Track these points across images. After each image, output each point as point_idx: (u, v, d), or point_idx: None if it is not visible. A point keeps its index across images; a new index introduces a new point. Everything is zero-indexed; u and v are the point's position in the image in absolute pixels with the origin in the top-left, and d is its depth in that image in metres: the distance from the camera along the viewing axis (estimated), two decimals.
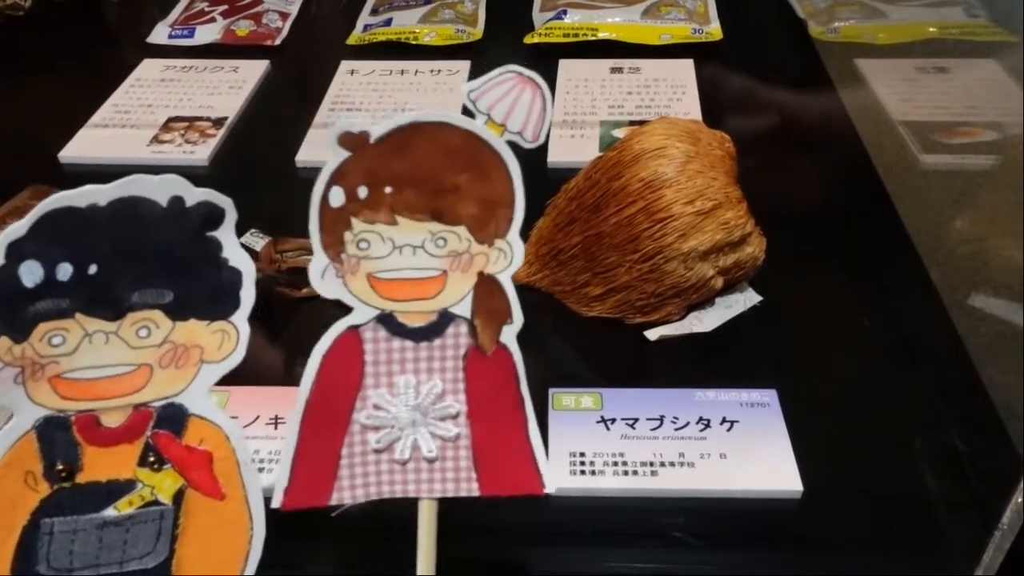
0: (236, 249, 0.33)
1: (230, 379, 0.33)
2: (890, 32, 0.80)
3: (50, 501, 0.32)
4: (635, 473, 0.44)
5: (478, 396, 0.34)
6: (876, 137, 0.68)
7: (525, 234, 0.54)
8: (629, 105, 0.73)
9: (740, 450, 0.45)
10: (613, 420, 0.47)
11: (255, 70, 0.80)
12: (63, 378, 0.32)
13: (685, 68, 0.78)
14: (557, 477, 0.44)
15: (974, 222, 0.60)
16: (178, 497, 0.34)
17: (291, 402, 0.47)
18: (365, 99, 0.75)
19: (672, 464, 0.44)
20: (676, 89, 0.75)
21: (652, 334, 0.52)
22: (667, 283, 0.50)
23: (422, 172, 0.32)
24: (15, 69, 0.84)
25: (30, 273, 0.30)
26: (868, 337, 0.53)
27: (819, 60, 0.80)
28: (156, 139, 0.70)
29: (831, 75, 0.77)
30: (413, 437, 0.34)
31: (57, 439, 0.32)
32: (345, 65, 0.80)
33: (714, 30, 0.82)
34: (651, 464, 0.44)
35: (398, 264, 0.33)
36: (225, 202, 0.32)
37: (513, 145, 0.32)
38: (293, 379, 0.51)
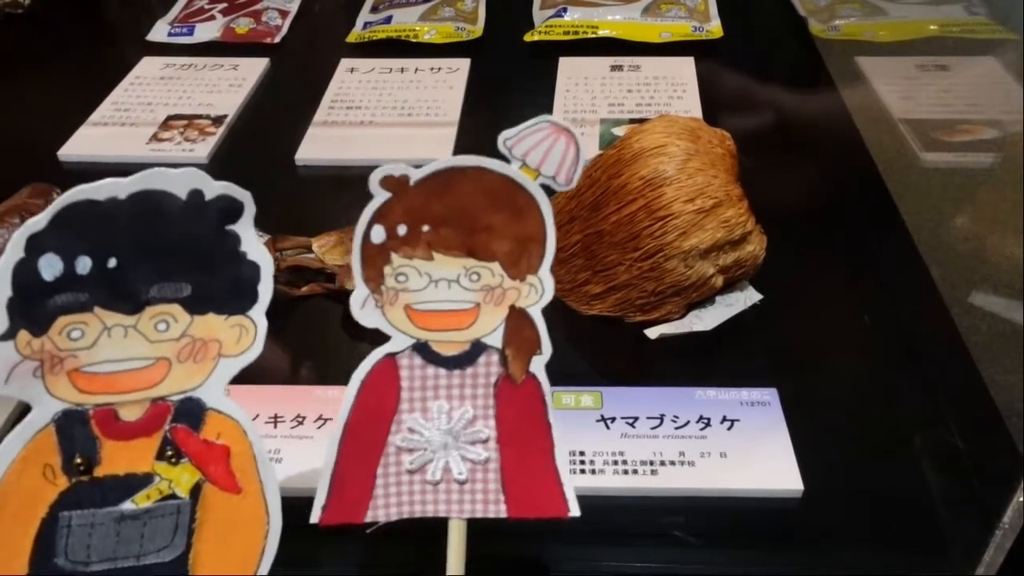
0: (254, 243, 0.33)
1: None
2: (891, 30, 0.80)
3: (68, 494, 0.32)
4: (635, 472, 0.44)
5: (507, 422, 0.36)
6: (876, 135, 0.68)
7: None
8: (629, 103, 0.73)
9: (740, 449, 0.45)
10: (613, 419, 0.47)
11: (255, 68, 0.79)
12: (82, 372, 0.32)
13: (685, 66, 0.78)
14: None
15: (975, 220, 0.60)
16: (195, 491, 0.34)
17: (291, 400, 0.48)
18: (365, 97, 0.75)
19: (672, 463, 0.44)
20: (676, 87, 0.75)
21: (652, 332, 0.52)
22: (667, 281, 0.50)
23: (458, 212, 0.33)
24: (14, 67, 0.84)
25: (49, 266, 0.30)
26: (868, 336, 0.53)
27: (820, 58, 0.80)
28: (155, 137, 0.70)
29: (831, 73, 0.77)
30: (445, 460, 0.36)
31: (75, 433, 0.32)
32: (345, 63, 0.80)
33: (714, 28, 0.82)
34: (651, 463, 0.44)
35: (434, 297, 0.34)
36: (244, 196, 0.32)
37: (545, 187, 0.34)
38: (293, 377, 0.51)
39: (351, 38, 0.85)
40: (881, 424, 0.48)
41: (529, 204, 0.34)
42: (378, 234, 0.33)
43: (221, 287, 0.32)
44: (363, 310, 0.34)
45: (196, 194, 0.31)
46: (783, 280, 0.55)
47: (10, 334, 0.30)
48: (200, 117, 0.73)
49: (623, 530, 0.43)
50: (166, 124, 0.72)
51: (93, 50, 0.87)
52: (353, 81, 0.78)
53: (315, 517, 0.35)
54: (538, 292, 0.35)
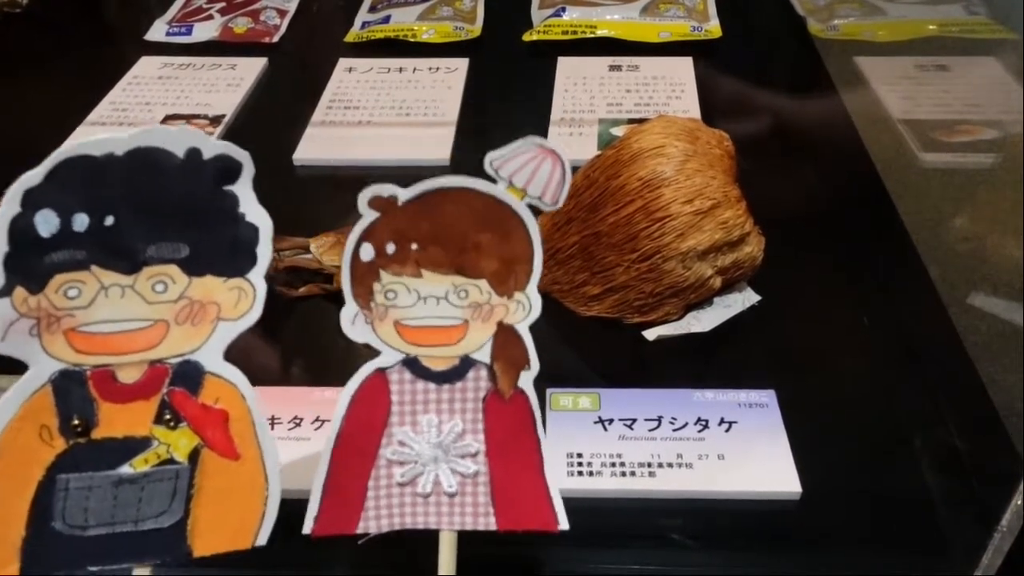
0: (253, 204, 0.32)
1: None
2: (890, 30, 0.80)
3: (65, 456, 0.32)
4: (633, 474, 0.44)
5: (496, 436, 0.36)
6: (875, 135, 0.68)
7: None
8: (628, 103, 0.73)
9: (738, 451, 0.45)
10: (611, 420, 0.46)
11: (253, 68, 0.79)
12: (78, 331, 0.31)
13: (684, 66, 0.78)
14: (554, 478, 0.44)
15: (974, 220, 0.60)
16: (193, 456, 0.33)
17: (288, 401, 0.47)
18: (363, 97, 0.75)
19: (670, 465, 0.44)
20: (675, 87, 0.75)
21: (650, 334, 0.52)
22: (665, 283, 0.50)
23: (446, 231, 0.34)
24: (12, 66, 0.84)
25: (46, 223, 0.30)
26: (867, 337, 0.53)
27: (818, 58, 0.80)
28: None
29: (830, 73, 0.77)
30: (435, 473, 0.36)
31: (73, 393, 0.32)
32: (343, 63, 0.80)
33: (713, 28, 0.82)
34: (649, 465, 0.44)
35: (423, 313, 0.35)
36: (242, 155, 0.32)
37: (532, 207, 0.34)
38: (290, 378, 0.51)
39: (349, 38, 0.85)
40: (879, 425, 0.48)
41: (516, 223, 0.34)
42: (367, 252, 0.34)
43: (219, 248, 0.32)
44: (353, 326, 0.35)
45: (194, 152, 0.31)
46: (781, 281, 0.55)
47: (6, 290, 0.30)
48: (198, 117, 0.72)
49: (620, 533, 0.43)
50: (164, 124, 0.72)
51: (91, 50, 0.87)
52: (351, 81, 0.77)
53: (307, 528, 0.35)
54: (525, 309, 0.36)
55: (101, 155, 0.30)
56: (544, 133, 0.69)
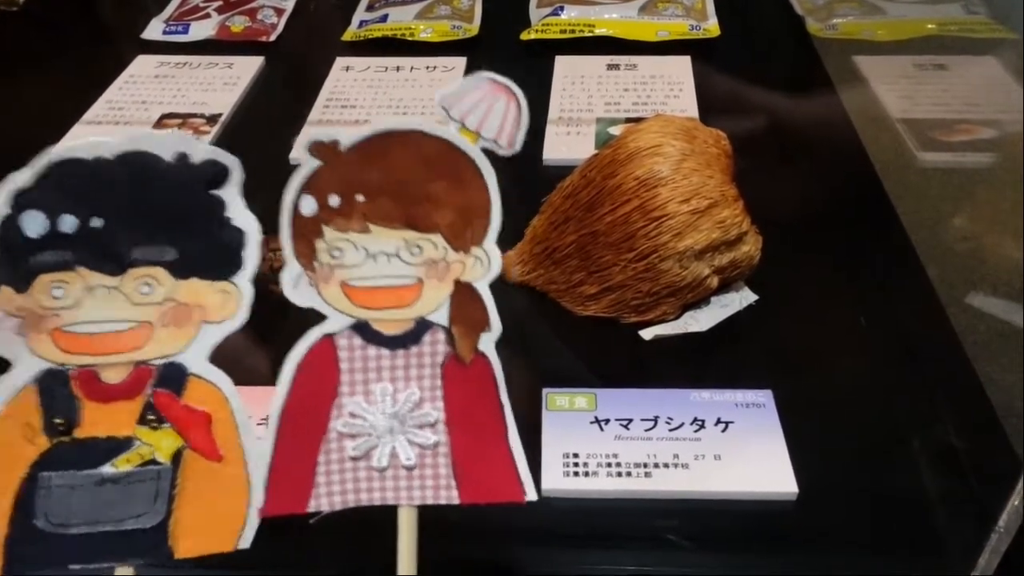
0: (240, 209, 0.32)
1: None
2: (889, 29, 0.80)
3: (49, 455, 0.32)
4: (629, 474, 0.44)
5: (457, 404, 0.34)
6: (874, 135, 0.68)
7: (520, 232, 0.55)
8: (626, 102, 0.73)
9: (735, 451, 0.45)
10: (607, 421, 0.46)
11: (250, 66, 0.79)
12: (64, 331, 0.32)
13: (682, 65, 0.77)
14: (550, 478, 0.44)
15: (972, 220, 0.60)
16: (176, 458, 0.34)
17: None
18: (360, 96, 0.75)
19: (666, 465, 0.44)
20: (673, 86, 0.74)
21: (647, 334, 0.52)
22: (662, 282, 0.50)
23: (395, 180, 0.32)
24: (9, 65, 0.83)
25: (33, 223, 0.30)
26: (865, 337, 0.53)
27: (817, 57, 0.79)
28: None
29: (829, 72, 0.77)
30: (391, 445, 0.34)
31: (57, 392, 0.32)
32: (340, 61, 0.80)
33: (711, 27, 0.82)
34: (645, 465, 0.44)
35: (372, 272, 0.33)
36: (231, 160, 0.32)
37: (489, 152, 0.32)
38: None
39: (347, 36, 0.85)
40: (877, 426, 0.48)
41: (471, 171, 0.32)
42: (308, 205, 0.32)
43: (205, 252, 0.32)
44: (296, 289, 0.33)
45: (183, 157, 0.31)
46: (779, 281, 0.54)
47: None
48: (195, 116, 0.72)
49: (616, 533, 0.43)
50: (160, 123, 0.72)
51: (88, 48, 0.87)
52: (348, 80, 0.77)
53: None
54: (484, 265, 0.34)
55: (91, 158, 0.30)
56: (541, 132, 0.69)
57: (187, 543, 0.34)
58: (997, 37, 0.77)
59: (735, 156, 0.53)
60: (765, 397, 0.47)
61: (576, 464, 0.44)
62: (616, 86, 0.75)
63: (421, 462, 0.34)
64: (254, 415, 0.46)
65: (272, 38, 0.84)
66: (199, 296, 0.33)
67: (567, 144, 0.68)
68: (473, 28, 0.84)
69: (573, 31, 0.81)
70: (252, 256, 0.33)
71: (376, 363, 0.34)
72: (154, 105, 0.74)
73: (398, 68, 0.79)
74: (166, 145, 0.31)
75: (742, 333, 0.53)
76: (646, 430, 0.46)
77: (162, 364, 0.33)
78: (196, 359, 0.33)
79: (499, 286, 0.35)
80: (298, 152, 0.31)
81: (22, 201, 0.30)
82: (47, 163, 0.30)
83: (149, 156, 0.31)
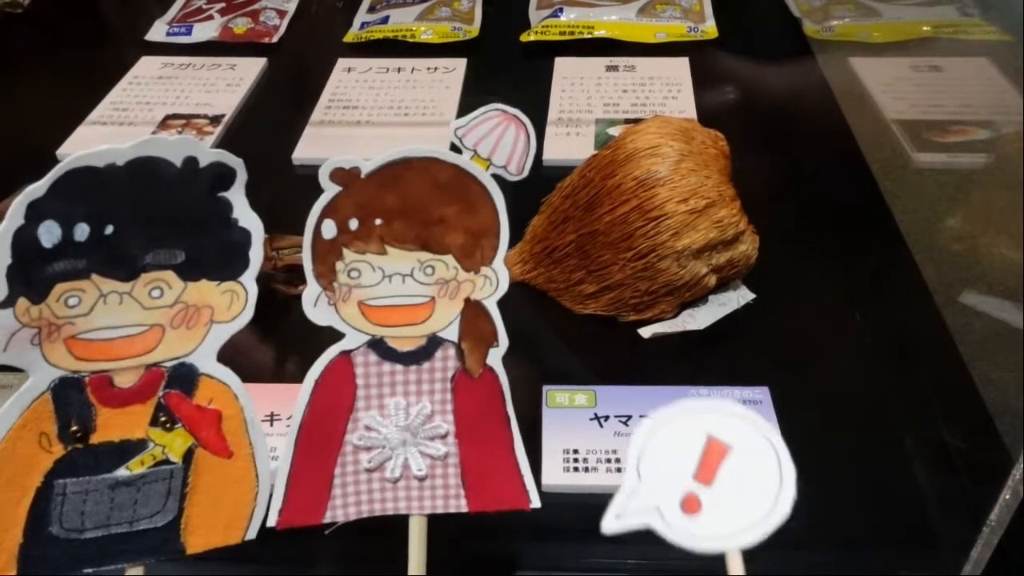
0: (246, 210, 0.33)
1: None
2: (884, 31, 0.80)
3: (63, 462, 0.33)
4: None
5: (466, 416, 0.36)
6: (870, 135, 0.68)
7: (520, 232, 0.56)
8: (624, 103, 0.73)
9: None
10: (606, 417, 0.47)
11: (252, 68, 0.80)
12: (78, 339, 0.32)
13: (680, 66, 0.78)
14: (550, 474, 0.44)
15: (967, 220, 0.60)
16: (187, 456, 0.34)
17: (288, 398, 0.47)
18: (362, 97, 0.76)
19: None
20: (671, 87, 0.75)
21: (646, 332, 0.53)
22: (660, 281, 0.50)
23: (411, 205, 0.33)
24: (13, 67, 0.84)
25: (48, 233, 0.30)
26: (860, 335, 0.54)
27: (814, 58, 0.80)
28: None
29: (825, 73, 0.77)
30: (403, 456, 0.35)
31: (72, 400, 0.33)
32: (342, 63, 0.81)
33: (709, 28, 0.82)
34: None
35: (388, 292, 0.34)
36: (236, 163, 0.32)
37: (498, 178, 0.34)
38: (289, 375, 0.52)
39: (348, 38, 0.85)
40: (872, 423, 0.48)
41: (481, 195, 0.34)
42: (329, 229, 0.33)
43: (213, 253, 0.33)
44: (315, 308, 0.34)
45: (191, 161, 0.32)
46: (776, 279, 0.55)
47: (9, 301, 0.30)
48: (198, 116, 0.73)
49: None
50: (164, 123, 0.72)
51: (92, 50, 0.88)
52: (350, 81, 0.78)
53: (272, 520, 0.35)
54: (493, 284, 0.35)
55: (103, 165, 0.31)
56: (541, 133, 0.69)
57: (198, 538, 0.34)
58: (991, 39, 0.77)
59: (732, 156, 0.53)
60: (762, 394, 0.48)
61: (576, 460, 0.45)
62: (615, 87, 0.76)
63: (432, 472, 0.36)
64: (258, 411, 0.47)
65: (274, 39, 0.85)
66: (208, 297, 0.33)
67: (566, 144, 0.68)
68: (473, 30, 0.84)
69: (572, 33, 0.82)
70: (257, 255, 0.34)
71: (390, 378, 0.35)
72: (158, 106, 0.74)
73: (399, 69, 0.79)
74: (175, 150, 0.31)
75: (739, 331, 0.53)
76: None
77: (173, 365, 0.34)
78: (206, 359, 0.34)
79: None
80: (321, 179, 0.33)
81: (37, 212, 0.30)
82: (60, 172, 0.30)
83: (159, 161, 0.31)
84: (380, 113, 0.73)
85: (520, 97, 0.76)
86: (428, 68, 0.79)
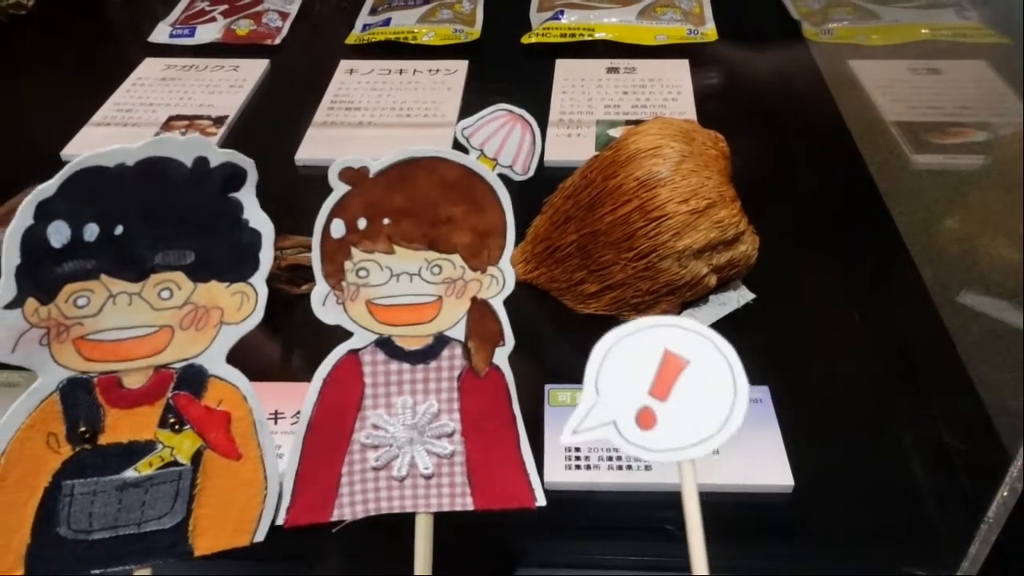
0: (256, 211, 0.33)
1: None
2: (883, 33, 0.81)
3: (71, 463, 0.33)
4: (629, 468, 0.45)
5: (472, 415, 0.36)
6: (868, 137, 0.69)
7: (522, 232, 0.56)
8: (625, 105, 0.74)
9: (732, 445, 0.44)
10: None
11: (255, 69, 0.80)
12: (87, 339, 0.32)
13: (680, 68, 0.78)
14: (553, 472, 0.44)
15: (965, 221, 0.61)
16: (196, 458, 0.34)
17: (291, 397, 0.48)
18: (364, 98, 0.76)
19: None
20: (671, 89, 0.76)
21: None
22: (661, 281, 0.51)
23: (419, 204, 0.34)
24: (18, 68, 0.84)
25: (58, 234, 0.30)
26: (859, 335, 0.54)
27: (813, 61, 0.80)
28: None
29: (824, 76, 0.78)
30: (410, 455, 0.36)
31: (80, 401, 0.32)
32: (344, 64, 0.81)
33: (709, 31, 0.83)
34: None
35: (396, 291, 0.35)
36: (247, 163, 0.32)
37: (504, 177, 0.34)
38: (293, 374, 0.52)
39: (350, 40, 0.86)
40: (871, 421, 0.49)
41: (488, 195, 0.34)
42: (338, 229, 0.34)
43: (223, 254, 0.33)
44: (324, 307, 0.34)
45: (201, 161, 0.32)
46: (775, 280, 0.55)
47: (18, 302, 0.30)
48: (201, 118, 0.73)
49: (617, 524, 0.44)
50: (167, 124, 0.73)
51: (96, 51, 0.88)
52: (352, 82, 0.78)
53: (280, 519, 0.35)
54: (499, 283, 0.35)
55: (112, 165, 0.30)
56: (543, 134, 0.69)
57: (206, 540, 0.34)
58: (989, 42, 0.78)
59: (733, 157, 0.54)
60: (762, 393, 0.48)
61: (578, 458, 0.45)
62: (616, 89, 0.76)
63: (438, 471, 0.36)
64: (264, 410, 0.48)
65: (277, 41, 0.85)
66: (217, 298, 0.33)
67: (568, 146, 0.69)
68: (475, 32, 0.85)
69: (573, 35, 0.82)
70: (267, 256, 0.34)
71: (398, 377, 0.35)
72: (161, 107, 0.75)
73: (401, 71, 0.80)
74: (186, 150, 0.31)
75: (739, 331, 0.53)
76: None
77: (182, 367, 0.34)
78: (215, 360, 0.34)
79: None
80: (331, 179, 0.33)
81: (46, 212, 0.30)
82: (69, 172, 0.30)
83: (169, 162, 0.31)
84: (382, 114, 0.74)
85: (521, 98, 0.76)
86: (430, 70, 0.80)
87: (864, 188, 0.65)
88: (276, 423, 0.47)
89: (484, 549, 0.42)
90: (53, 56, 0.87)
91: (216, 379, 0.34)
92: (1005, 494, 0.39)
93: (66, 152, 0.69)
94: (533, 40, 0.83)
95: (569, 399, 0.48)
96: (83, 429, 0.33)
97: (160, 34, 0.86)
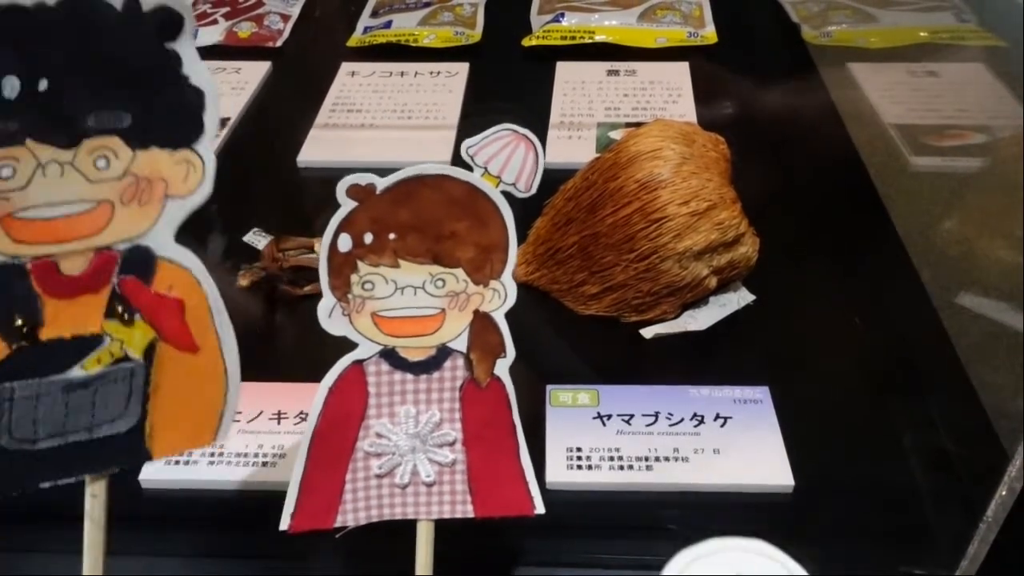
0: (197, 64, 0.29)
1: None
2: (882, 36, 0.81)
3: (9, 362, 0.29)
4: (630, 468, 0.45)
5: (473, 424, 0.37)
6: (867, 139, 0.69)
7: (523, 234, 0.56)
8: (625, 107, 0.74)
9: (733, 445, 0.46)
10: (609, 416, 0.47)
11: (257, 71, 0.80)
12: (15, 218, 0.28)
13: (680, 71, 0.79)
14: (554, 472, 0.45)
15: (963, 223, 0.61)
16: (149, 352, 0.31)
17: (294, 397, 0.48)
18: (365, 100, 0.76)
19: (667, 459, 0.45)
20: (671, 91, 0.76)
21: (647, 332, 0.53)
22: (662, 282, 0.51)
23: (424, 220, 0.34)
24: None
25: None
26: (859, 336, 0.54)
27: (812, 63, 0.81)
28: None
29: (824, 78, 0.78)
30: (412, 463, 0.36)
31: (14, 289, 0.29)
32: (346, 67, 0.81)
33: (709, 34, 0.83)
34: (646, 459, 0.45)
35: (400, 304, 0.35)
36: (183, 7, 0.29)
37: (507, 194, 0.35)
38: (296, 374, 0.52)
39: (352, 42, 0.86)
40: (870, 422, 0.49)
41: (491, 211, 0.35)
42: (345, 243, 0.34)
43: (163, 115, 0.29)
44: (330, 319, 0.34)
45: (132, 4, 0.28)
46: (775, 281, 0.56)
47: None
48: None
49: (618, 524, 0.44)
50: None
51: None
52: (354, 84, 0.79)
53: (284, 524, 0.35)
54: (501, 297, 0.36)
55: (31, 5, 0.26)
56: (543, 136, 0.70)
57: (164, 443, 0.31)
58: (987, 45, 0.78)
59: (733, 159, 0.54)
60: (762, 394, 0.49)
61: (580, 458, 0.45)
62: (616, 91, 0.76)
63: (439, 479, 0.36)
64: (265, 409, 0.48)
65: (279, 43, 0.85)
66: (160, 168, 0.30)
67: (568, 148, 0.69)
68: (475, 34, 0.85)
69: (574, 38, 0.83)
70: (212, 120, 0.30)
71: (401, 387, 0.36)
72: None
73: (402, 73, 0.80)
74: None
75: (740, 332, 0.54)
76: (647, 425, 0.47)
77: (126, 248, 0.30)
78: (163, 240, 0.30)
79: None
80: (338, 195, 0.33)
81: None
82: None
83: (97, 3, 0.27)
84: (384, 116, 0.74)
85: (522, 101, 0.78)
86: (431, 72, 0.80)
87: (863, 190, 0.65)
88: (279, 423, 0.48)
89: (484, 548, 0.42)
90: None
91: (165, 261, 0.30)
92: (1004, 494, 0.39)
93: None
94: (534, 43, 0.83)
95: (570, 399, 0.49)
96: (20, 323, 0.29)
97: None
